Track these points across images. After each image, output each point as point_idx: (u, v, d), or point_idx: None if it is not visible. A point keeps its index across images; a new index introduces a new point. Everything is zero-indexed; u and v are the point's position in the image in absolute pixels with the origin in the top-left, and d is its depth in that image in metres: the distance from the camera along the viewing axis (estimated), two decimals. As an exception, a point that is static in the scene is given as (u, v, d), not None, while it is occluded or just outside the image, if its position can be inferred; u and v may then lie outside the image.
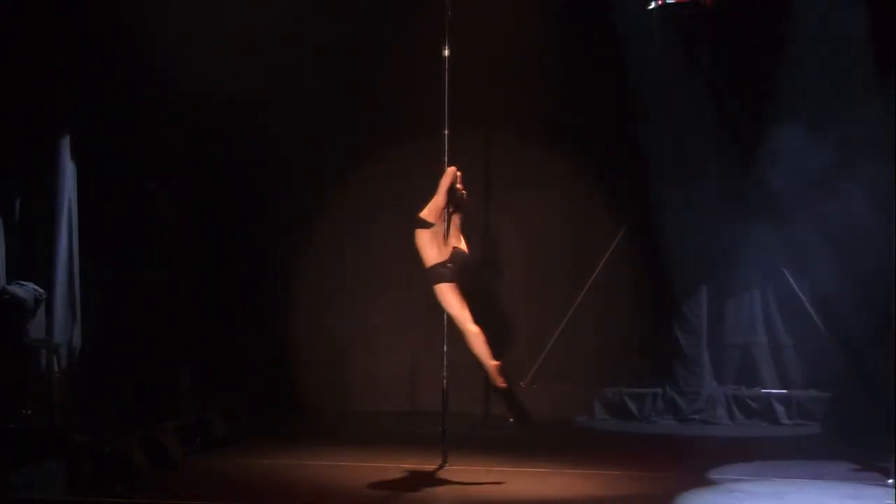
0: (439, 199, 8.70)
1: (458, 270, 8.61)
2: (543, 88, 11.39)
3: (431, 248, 8.63)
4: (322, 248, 11.88)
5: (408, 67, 11.11)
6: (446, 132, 9.21)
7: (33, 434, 9.15)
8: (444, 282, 8.54)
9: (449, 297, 8.53)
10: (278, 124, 11.50)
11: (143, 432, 9.31)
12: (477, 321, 8.42)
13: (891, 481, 8.45)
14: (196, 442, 10.06)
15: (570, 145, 11.50)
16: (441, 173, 8.80)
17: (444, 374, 9.44)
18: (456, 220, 8.89)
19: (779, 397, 11.27)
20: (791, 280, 11.29)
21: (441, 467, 9.09)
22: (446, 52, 9.15)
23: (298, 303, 11.88)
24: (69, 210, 10.34)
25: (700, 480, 8.67)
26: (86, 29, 10.41)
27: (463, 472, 8.97)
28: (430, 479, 8.85)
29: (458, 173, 8.86)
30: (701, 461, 9.35)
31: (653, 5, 11.07)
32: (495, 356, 8.34)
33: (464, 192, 8.90)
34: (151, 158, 11.08)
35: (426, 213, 8.68)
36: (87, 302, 10.38)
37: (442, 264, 8.57)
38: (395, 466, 9.27)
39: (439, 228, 8.71)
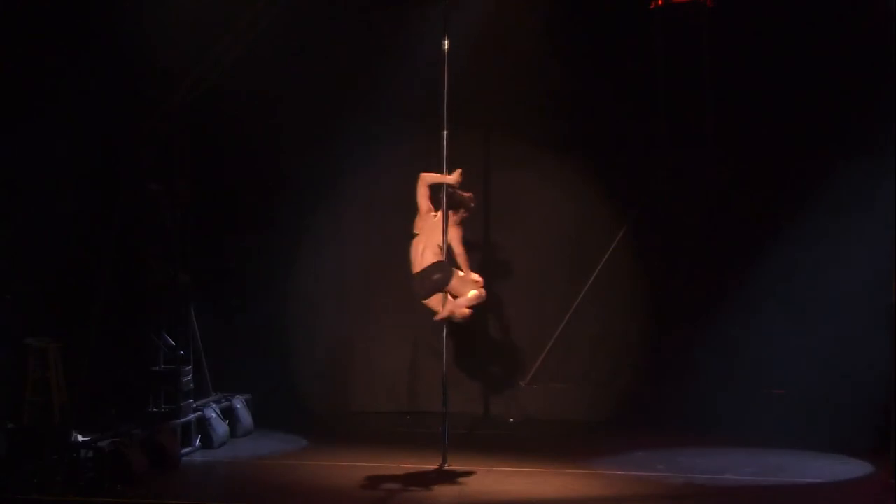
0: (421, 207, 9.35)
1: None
2: (543, 88, 11.38)
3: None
4: (322, 248, 11.87)
5: (408, 67, 11.11)
6: (445, 132, 9.22)
7: (33, 434, 9.16)
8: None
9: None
10: (279, 124, 11.49)
11: (143, 432, 9.32)
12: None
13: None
14: (196, 442, 10.09)
15: (570, 145, 11.48)
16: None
17: (444, 374, 9.45)
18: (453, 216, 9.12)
19: (778, 397, 11.26)
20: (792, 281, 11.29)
21: (441, 467, 9.10)
22: (446, 46, 9.17)
23: (298, 303, 11.86)
24: (69, 210, 10.34)
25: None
26: (86, 28, 10.41)
27: (463, 472, 8.98)
28: (430, 479, 8.86)
29: (457, 179, 9.15)
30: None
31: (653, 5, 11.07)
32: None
33: (466, 195, 9.12)
34: (151, 158, 11.07)
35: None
36: (86, 302, 10.36)
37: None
38: (396, 466, 9.28)
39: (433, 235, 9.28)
